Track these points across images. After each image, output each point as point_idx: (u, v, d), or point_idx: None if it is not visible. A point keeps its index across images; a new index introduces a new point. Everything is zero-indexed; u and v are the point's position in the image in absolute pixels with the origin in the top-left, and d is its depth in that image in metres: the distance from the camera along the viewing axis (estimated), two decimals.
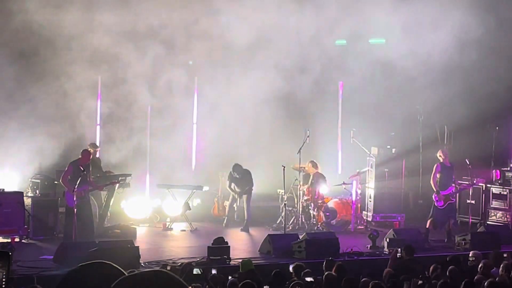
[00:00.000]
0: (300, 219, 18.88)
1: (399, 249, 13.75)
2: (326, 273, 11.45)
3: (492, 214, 19.59)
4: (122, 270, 4.19)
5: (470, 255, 13.62)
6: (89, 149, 17.07)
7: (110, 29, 18.39)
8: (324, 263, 12.65)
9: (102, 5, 18.32)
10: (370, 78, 20.72)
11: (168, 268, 12.77)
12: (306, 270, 11.74)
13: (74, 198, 15.70)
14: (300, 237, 16.03)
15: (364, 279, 11.22)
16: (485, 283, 10.67)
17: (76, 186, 15.77)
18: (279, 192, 19.14)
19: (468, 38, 19.44)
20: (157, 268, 8.73)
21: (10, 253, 4.75)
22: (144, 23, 18.61)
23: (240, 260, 13.58)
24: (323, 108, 21.18)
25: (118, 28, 18.46)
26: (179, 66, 19.30)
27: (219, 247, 14.96)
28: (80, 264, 4.25)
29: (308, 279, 11.00)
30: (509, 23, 19.97)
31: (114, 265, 4.21)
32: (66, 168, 16.39)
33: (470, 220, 19.12)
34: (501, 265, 12.07)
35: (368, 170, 19.93)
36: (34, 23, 17.60)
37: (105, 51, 18.61)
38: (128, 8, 18.35)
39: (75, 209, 15.68)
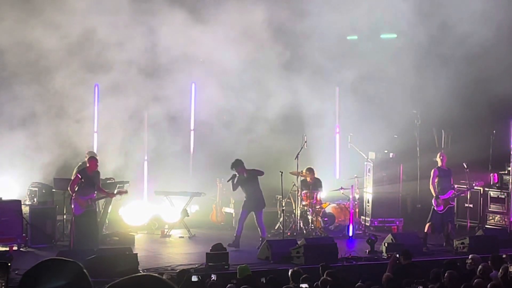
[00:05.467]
0: (298, 224, 18.85)
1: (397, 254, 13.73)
2: (322, 278, 11.42)
3: (490, 217, 19.58)
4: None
5: (469, 257, 13.60)
6: (96, 157, 16.84)
7: (110, 36, 18.46)
8: (320, 268, 12.54)
9: None
10: (368, 81, 20.77)
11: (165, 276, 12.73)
12: (304, 276, 11.71)
13: (79, 206, 15.72)
14: (299, 242, 16.01)
15: (358, 284, 11.20)
16: (487, 286, 10.68)
17: (79, 193, 15.78)
18: (277, 197, 19.13)
19: (468, 40, 19.49)
20: (147, 273, 8.59)
21: (9, 264, 4.73)
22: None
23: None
24: (321, 113, 21.17)
25: (118, 35, 18.54)
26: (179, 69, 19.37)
27: (218, 254, 14.96)
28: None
29: (304, 285, 10.97)
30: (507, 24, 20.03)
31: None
32: (74, 176, 16.35)
33: (469, 224, 19.13)
34: (501, 268, 12.06)
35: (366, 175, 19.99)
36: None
37: (103, 58, 18.66)
38: None
39: (82, 218, 15.71)
